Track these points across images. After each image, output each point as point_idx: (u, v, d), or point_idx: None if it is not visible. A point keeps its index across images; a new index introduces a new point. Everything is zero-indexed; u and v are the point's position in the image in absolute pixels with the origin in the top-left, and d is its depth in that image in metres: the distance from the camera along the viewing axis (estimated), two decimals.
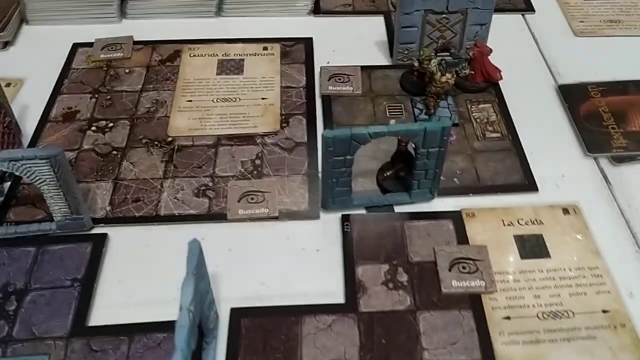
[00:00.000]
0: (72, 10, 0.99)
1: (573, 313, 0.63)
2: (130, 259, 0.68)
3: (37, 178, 0.63)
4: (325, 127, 0.82)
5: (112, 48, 0.94)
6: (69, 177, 0.64)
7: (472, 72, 0.83)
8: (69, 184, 0.64)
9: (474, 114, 0.84)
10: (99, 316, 0.62)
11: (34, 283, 0.64)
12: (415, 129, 0.65)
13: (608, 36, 0.99)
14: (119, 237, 0.70)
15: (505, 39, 0.94)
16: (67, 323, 0.61)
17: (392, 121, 0.79)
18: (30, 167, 0.62)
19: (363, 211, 0.73)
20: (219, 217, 0.71)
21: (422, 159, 0.68)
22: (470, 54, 0.84)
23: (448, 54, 0.86)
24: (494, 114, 0.84)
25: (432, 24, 0.88)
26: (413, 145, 0.72)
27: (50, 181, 0.63)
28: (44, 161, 0.62)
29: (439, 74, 0.79)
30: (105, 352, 0.59)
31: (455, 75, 0.80)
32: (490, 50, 0.85)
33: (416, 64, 0.85)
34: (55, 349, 0.59)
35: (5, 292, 0.63)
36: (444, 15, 0.87)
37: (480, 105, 0.85)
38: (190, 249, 0.52)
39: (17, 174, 0.62)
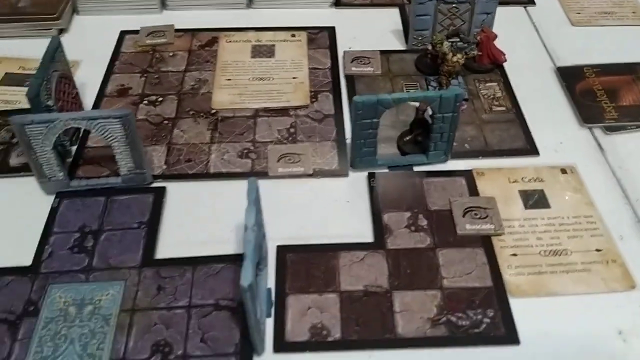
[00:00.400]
0: (118, 2, 1.10)
1: (570, 252, 0.73)
2: (186, 208, 0.78)
3: (110, 135, 0.74)
4: (349, 102, 0.93)
5: (156, 35, 1.05)
6: (136, 136, 0.74)
7: (480, 54, 0.94)
8: (135, 141, 0.75)
9: (481, 91, 0.95)
10: (164, 252, 0.73)
11: (106, 225, 0.75)
12: (433, 95, 0.75)
13: (602, 26, 1.10)
14: (176, 191, 0.80)
15: (509, 28, 1.05)
16: (137, 256, 0.71)
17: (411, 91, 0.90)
18: (104, 125, 0.72)
19: (385, 170, 0.83)
20: (261, 174, 0.82)
21: (438, 123, 0.78)
22: (478, 39, 0.95)
23: (458, 38, 0.97)
24: (500, 91, 0.95)
25: (443, 13, 0.99)
26: (430, 112, 0.83)
27: (120, 138, 0.74)
28: (116, 120, 0.72)
29: (450, 54, 0.90)
30: (173, 278, 0.69)
31: (464, 56, 0.91)
32: (496, 36, 0.96)
33: (430, 47, 0.96)
34: (130, 276, 0.69)
35: (83, 232, 0.74)
36: (454, 5, 0.98)
37: (487, 84, 0.96)
38: (250, 184, 0.63)
39: (93, 131, 0.73)
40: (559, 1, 1.16)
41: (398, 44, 1.06)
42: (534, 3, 1.15)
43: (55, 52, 0.81)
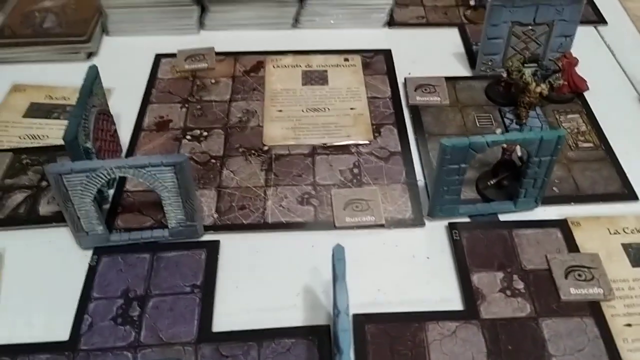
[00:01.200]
0: (152, 22, 1.00)
1: None
2: (242, 265, 0.68)
3: (160, 185, 0.64)
4: (416, 137, 0.83)
5: (195, 59, 0.95)
6: (190, 185, 0.64)
7: (566, 83, 0.84)
8: (189, 191, 0.65)
9: (563, 124, 0.84)
10: (222, 322, 0.63)
11: (154, 289, 0.65)
12: (532, 138, 0.65)
13: None
14: (230, 244, 0.70)
15: (582, 51, 0.95)
16: (193, 329, 0.61)
17: (498, 130, 0.79)
18: (154, 174, 0.62)
19: (466, 219, 0.73)
20: (326, 225, 0.72)
21: (534, 168, 0.68)
22: (559, 65, 0.85)
23: (536, 65, 0.87)
24: (583, 124, 0.85)
25: (518, 36, 0.89)
26: (518, 155, 0.73)
27: (171, 188, 0.64)
28: (168, 168, 0.62)
29: (533, 84, 0.80)
30: (236, 357, 0.59)
31: (549, 86, 0.81)
32: (578, 61, 0.86)
33: (505, 74, 0.86)
34: (185, 354, 0.59)
35: (127, 297, 0.64)
36: (530, 27, 0.88)
37: (569, 116, 0.86)
38: (337, 254, 0.53)
39: (140, 180, 0.63)
40: (632, 19, 1.06)
41: (462, 69, 0.96)
42: (605, 22, 1.05)
43: (93, 85, 0.71)
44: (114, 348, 0.60)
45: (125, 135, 0.83)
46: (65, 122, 0.83)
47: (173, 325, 0.61)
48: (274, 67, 0.94)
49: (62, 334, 0.61)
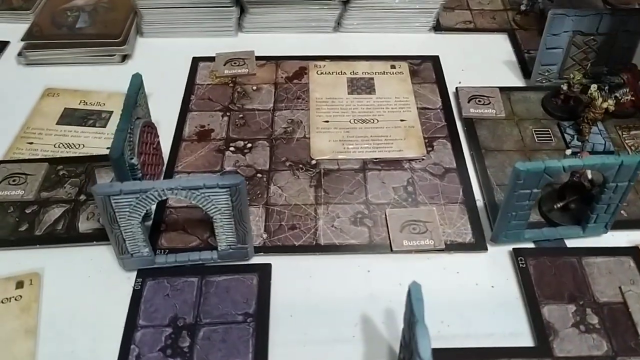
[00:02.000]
0: (188, 23, 0.96)
1: None
2: (296, 290, 0.64)
3: (213, 207, 0.59)
4: (471, 153, 0.78)
5: (235, 63, 0.91)
6: (244, 207, 0.60)
7: (633, 98, 0.79)
8: (243, 213, 0.60)
9: (626, 141, 0.80)
10: (277, 355, 0.59)
11: (204, 317, 0.61)
12: (612, 163, 0.61)
13: None
14: (281, 267, 0.66)
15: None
16: None
17: (568, 151, 0.75)
18: (208, 195, 0.58)
19: (531, 245, 0.69)
20: (382, 247, 0.68)
21: (609, 193, 0.64)
22: (623, 79, 0.80)
23: (599, 78, 0.82)
24: None
25: (578, 46, 0.84)
26: (589, 178, 0.68)
27: (225, 210, 0.60)
28: (224, 190, 0.58)
29: (600, 99, 0.75)
30: None
31: (615, 101, 0.76)
32: None
33: (565, 87, 0.81)
34: None
35: (176, 326, 0.60)
36: (592, 37, 0.83)
37: (632, 132, 0.81)
38: (414, 293, 0.48)
39: (193, 202, 0.59)
40: None
41: (514, 78, 0.91)
42: None
43: (137, 95, 0.67)
44: None
45: (165, 145, 0.79)
46: (101, 129, 0.81)
47: (227, 358, 0.57)
48: (317, 73, 0.90)
49: None
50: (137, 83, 0.68)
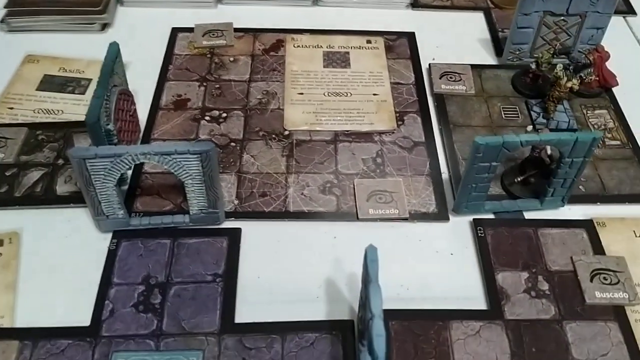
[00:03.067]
0: None
1: None
2: (264, 254, 0.67)
3: (184, 172, 0.62)
4: (440, 127, 0.81)
5: (213, 35, 0.92)
6: (215, 173, 0.63)
7: (597, 78, 0.82)
8: (213, 179, 0.63)
9: (590, 120, 0.83)
10: (244, 312, 0.62)
11: (175, 276, 0.64)
12: (567, 139, 0.64)
13: None
14: (251, 232, 0.69)
15: (610, 42, 0.93)
16: (215, 319, 0.60)
17: (529, 127, 0.78)
18: (180, 161, 0.61)
19: (491, 216, 0.72)
20: (348, 215, 0.71)
21: (565, 168, 0.67)
22: (590, 59, 0.83)
23: (566, 57, 0.85)
24: (611, 120, 0.83)
25: (549, 26, 0.87)
26: (548, 153, 0.71)
27: (196, 175, 0.62)
28: (195, 156, 0.61)
29: (565, 79, 0.78)
30: (259, 350, 0.58)
31: (579, 81, 0.79)
32: (609, 56, 0.84)
33: (533, 66, 0.84)
34: (208, 345, 0.58)
35: (148, 284, 0.63)
36: (562, 17, 0.86)
37: (596, 111, 0.84)
38: (370, 255, 0.51)
39: (165, 167, 0.61)
40: None
41: (487, 57, 0.94)
42: (635, 13, 1.02)
43: (114, 63, 0.69)
44: (136, 335, 0.59)
45: (142, 113, 0.81)
46: (80, 96, 0.83)
47: (195, 315, 0.61)
48: (294, 46, 0.92)
49: (84, 319, 0.60)
50: (114, 51, 0.70)
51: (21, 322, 0.61)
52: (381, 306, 0.48)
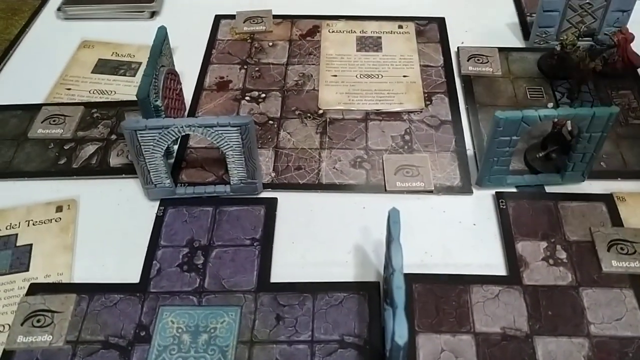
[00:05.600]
0: None
1: None
2: (298, 222, 0.72)
3: (225, 144, 0.68)
4: (467, 107, 0.85)
5: (253, 21, 0.98)
6: (253, 145, 0.68)
7: (620, 59, 0.84)
8: (252, 150, 0.69)
9: (615, 100, 0.85)
10: (279, 274, 0.67)
11: (216, 240, 0.69)
12: (584, 114, 0.67)
13: None
14: (286, 202, 0.74)
15: (636, 24, 0.94)
16: (252, 278, 0.66)
17: (550, 104, 0.81)
18: (221, 133, 0.66)
19: (513, 189, 0.75)
20: (377, 188, 0.75)
21: (583, 143, 0.70)
22: (615, 40, 0.85)
23: (591, 39, 0.87)
24: (635, 100, 0.85)
25: (574, 9, 0.89)
26: (568, 129, 0.74)
27: (236, 147, 0.68)
28: (235, 129, 0.66)
29: (587, 59, 0.81)
30: (292, 307, 0.64)
31: (603, 62, 0.82)
32: (634, 37, 0.86)
33: (558, 48, 0.87)
34: (246, 302, 0.64)
35: (192, 247, 0.69)
36: (587, 1, 0.88)
37: (621, 92, 0.86)
38: (392, 217, 0.56)
39: (208, 139, 0.67)
40: None
41: (515, 40, 0.97)
42: None
43: (162, 45, 0.75)
44: (181, 292, 0.65)
45: (187, 94, 0.87)
46: (131, 78, 0.89)
47: (234, 275, 0.66)
48: (329, 32, 0.97)
49: (133, 277, 0.67)
50: (162, 34, 0.76)
51: (78, 279, 0.67)
52: (401, 262, 0.53)
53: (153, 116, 0.71)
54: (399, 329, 0.48)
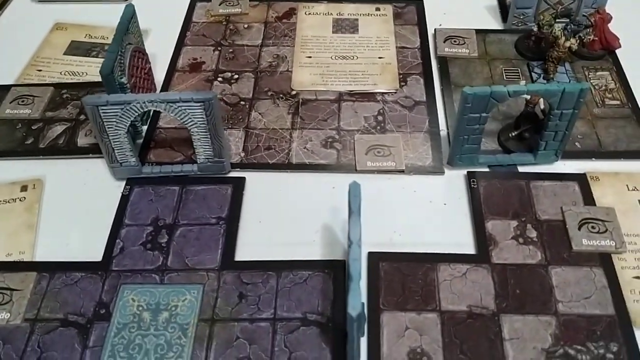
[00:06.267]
0: None
1: None
2: (266, 201, 0.71)
3: (189, 120, 0.67)
4: (442, 88, 0.84)
5: (229, 3, 0.97)
6: (218, 122, 0.67)
7: (596, 39, 0.83)
8: (217, 128, 0.67)
9: (592, 81, 0.84)
10: (244, 252, 0.66)
11: (182, 219, 0.68)
12: (554, 89, 0.66)
13: None
14: (255, 182, 0.73)
15: (615, 7, 0.93)
16: (216, 257, 0.65)
17: (522, 82, 0.80)
18: (185, 109, 0.65)
19: (486, 169, 0.74)
20: (347, 167, 0.74)
21: (555, 120, 0.69)
22: (592, 21, 0.84)
23: (568, 20, 0.86)
24: (612, 81, 0.84)
25: None
26: (541, 107, 0.73)
27: (200, 124, 0.67)
28: (198, 104, 0.65)
29: (563, 39, 0.80)
30: (256, 285, 0.63)
31: (578, 41, 0.81)
32: (611, 18, 0.85)
33: (535, 28, 0.86)
34: (208, 280, 0.63)
35: (156, 225, 0.68)
36: None
37: (598, 73, 0.85)
38: (353, 190, 0.55)
39: (171, 115, 0.66)
40: None
41: (494, 22, 0.95)
42: None
43: (129, 23, 0.74)
44: (143, 270, 0.64)
45: (159, 75, 0.86)
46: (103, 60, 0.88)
47: (198, 253, 0.65)
48: (306, 14, 0.96)
49: (96, 255, 0.66)
50: (129, 12, 0.75)
51: (40, 257, 0.66)
52: (359, 235, 0.52)
53: (118, 94, 0.69)
54: (352, 301, 0.47)
